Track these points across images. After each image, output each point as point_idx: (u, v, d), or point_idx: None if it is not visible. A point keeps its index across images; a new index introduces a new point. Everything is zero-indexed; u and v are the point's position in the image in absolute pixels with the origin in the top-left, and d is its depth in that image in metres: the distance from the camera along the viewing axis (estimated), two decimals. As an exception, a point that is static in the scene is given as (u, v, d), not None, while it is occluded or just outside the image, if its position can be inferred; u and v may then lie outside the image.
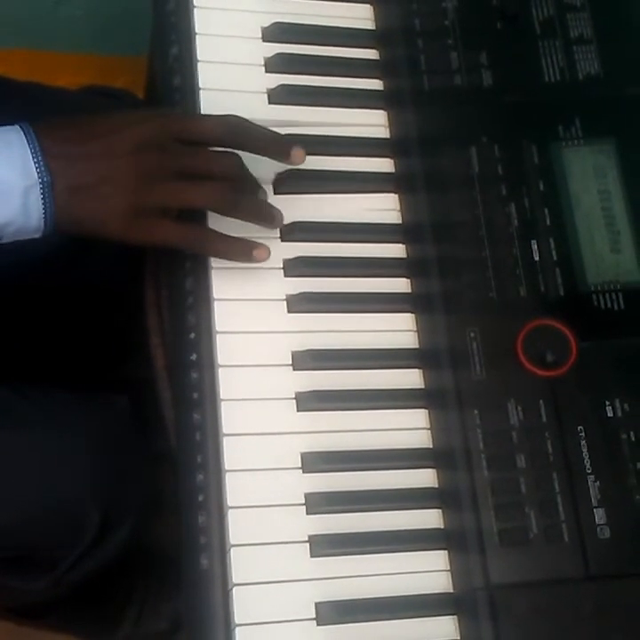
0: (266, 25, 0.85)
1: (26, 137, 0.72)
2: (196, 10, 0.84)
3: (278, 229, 0.79)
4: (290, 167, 0.80)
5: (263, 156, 0.77)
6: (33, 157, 0.71)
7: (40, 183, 0.71)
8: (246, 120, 0.76)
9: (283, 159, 0.77)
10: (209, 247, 0.77)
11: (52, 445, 0.88)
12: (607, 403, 0.74)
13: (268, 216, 0.77)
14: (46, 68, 1.32)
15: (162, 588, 1.14)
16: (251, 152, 0.76)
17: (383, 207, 0.82)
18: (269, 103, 0.84)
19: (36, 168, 0.71)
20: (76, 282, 0.97)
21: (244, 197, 0.76)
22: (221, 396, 0.74)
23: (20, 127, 0.73)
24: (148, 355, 0.83)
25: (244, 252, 0.76)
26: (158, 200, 0.74)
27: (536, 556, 0.71)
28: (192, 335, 0.77)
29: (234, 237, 0.76)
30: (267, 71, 0.84)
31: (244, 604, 0.70)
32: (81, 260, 0.95)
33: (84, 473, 0.87)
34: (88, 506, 0.88)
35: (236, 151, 0.76)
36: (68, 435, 0.88)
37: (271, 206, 0.78)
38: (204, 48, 0.83)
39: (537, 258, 0.79)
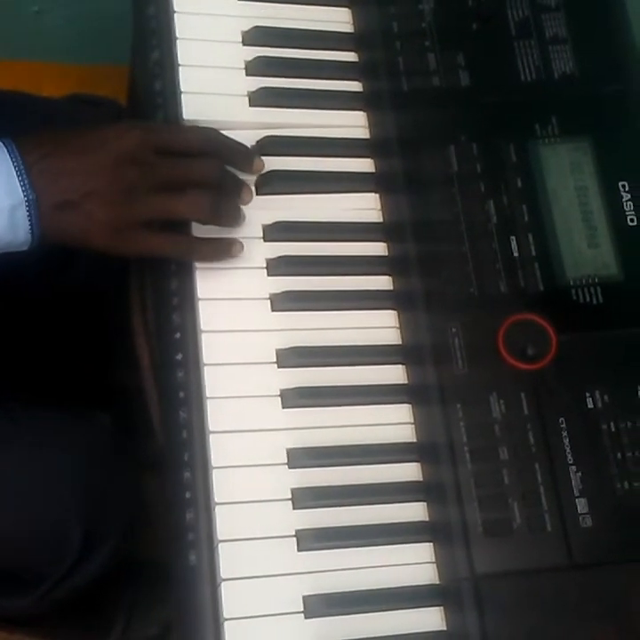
0: (246, 29, 0.86)
1: (9, 154, 0.73)
2: (176, 14, 0.85)
3: (261, 229, 0.81)
4: (272, 168, 0.82)
5: (232, 166, 0.80)
6: (17, 175, 0.72)
7: (26, 201, 0.72)
8: (220, 133, 0.79)
9: (247, 169, 0.81)
10: (193, 254, 0.78)
11: (35, 465, 0.88)
12: (587, 394, 0.76)
13: (240, 222, 0.80)
14: (29, 79, 1.32)
15: (150, 594, 1.14)
16: (224, 162, 0.79)
17: (364, 206, 0.83)
18: (250, 106, 0.84)
19: (21, 186, 0.72)
20: (61, 285, 0.98)
21: (224, 204, 0.78)
22: (207, 395, 0.75)
23: (3, 144, 0.73)
24: (134, 356, 0.84)
25: (224, 251, 0.78)
26: (140, 213, 0.75)
27: (520, 546, 0.72)
28: (177, 335, 0.78)
29: (213, 239, 0.78)
30: (247, 74, 0.85)
31: (232, 599, 0.70)
32: (66, 264, 0.95)
33: (66, 492, 0.88)
34: (71, 525, 0.88)
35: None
36: (51, 454, 0.88)
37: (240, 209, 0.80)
38: (184, 52, 0.84)
39: (516, 254, 0.80)
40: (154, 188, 0.75)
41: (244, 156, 0.81)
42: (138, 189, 0.75)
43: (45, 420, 0.91)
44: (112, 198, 0.74)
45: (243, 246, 0.78)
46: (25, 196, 0.72)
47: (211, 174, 0.77)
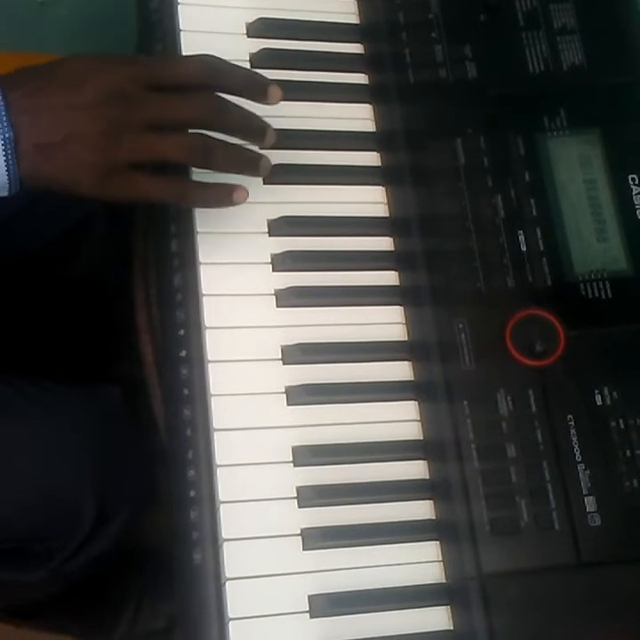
0: (250, 20, 0.86)
1: None
2: (179, 6, 0.84)
3: (266, 224, 0.80)
4: (276, 162, 0.80)
5: (239, 96, 0.73)
6: None
7: (2, 140, 0.67)
8: (221, 58, 0.72)
9: (259, 98, 0.73)
10: (187, 198, 0.74)
11: (47, 437, 0.88)
12: (596, 391, 0.75)
13: (249, 163, 0.73)
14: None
15: (158, 586, 1.14)
16: (227, 93, 0.73)
17: (370, 200, 0.83)
18: (255, 98, 0.84)
19: None
20: (65, 282, 0.97)
21: (221, 146, 0.72)
22: (211, 392, 0.75)
23: None
24: (138, 352, 0.83)
25: (223, 196, 0.73)
26: (128, 155, 0.70)
27: (527, 545, 0.71)
28: (181, 331, 0.77)
29: (211, 183, 0.73)
30: (252, 67, 0.84)
31: (237, 599, 0.70)
32: (69, 260, 0.95)
33: (79, 464, 0.87)
34: (84, 496, 0.88)
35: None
36: (63, 426, 0.88)
37: (253, 153, 0.73)
38: (188, 45, 0.83)
39: (524, 248, 0.79)
40: (142, 126, 0.69)
41: (255, 83, 0.72)
42: (124, 128, 0.69)
43: (57, 394, 0.91)
44: (96, 139, 0.68)
45: (248, 193, 0.72)
46: (1, 133, 0.67)
47: (205, 110, 0.71)
